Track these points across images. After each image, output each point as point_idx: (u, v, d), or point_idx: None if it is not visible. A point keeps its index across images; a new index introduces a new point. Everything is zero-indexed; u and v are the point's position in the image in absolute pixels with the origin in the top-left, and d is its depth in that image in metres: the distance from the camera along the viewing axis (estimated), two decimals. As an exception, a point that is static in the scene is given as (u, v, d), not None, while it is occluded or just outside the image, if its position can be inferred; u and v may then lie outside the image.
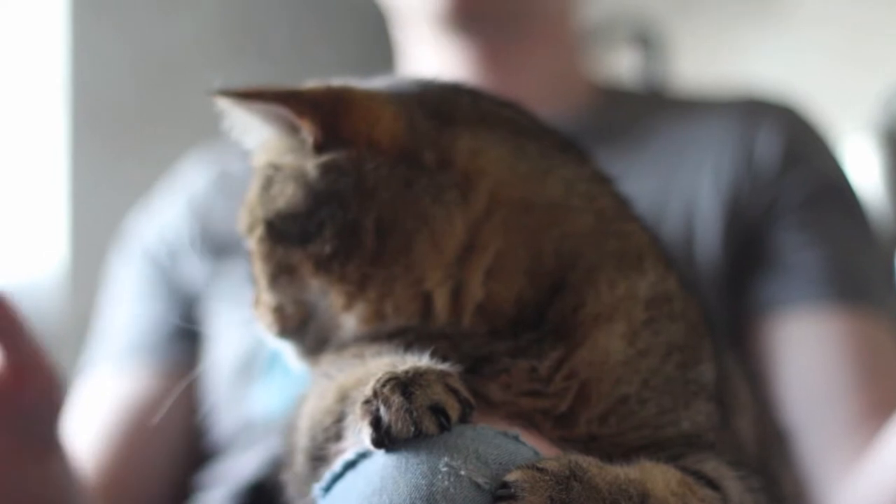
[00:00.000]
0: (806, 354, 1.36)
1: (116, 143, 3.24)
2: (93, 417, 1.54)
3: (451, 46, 1.53)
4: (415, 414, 0.83)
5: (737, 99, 1.58)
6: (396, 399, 0.84)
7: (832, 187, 1.48)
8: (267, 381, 1.40)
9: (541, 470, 0.81)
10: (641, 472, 0.87)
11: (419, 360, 0.90)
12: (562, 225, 1.01)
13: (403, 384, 0.85)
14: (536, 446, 0.89)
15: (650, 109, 1.60)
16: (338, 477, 0.89)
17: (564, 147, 1.08)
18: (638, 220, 1.09)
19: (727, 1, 3.58)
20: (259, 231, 1.03)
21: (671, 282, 1.04)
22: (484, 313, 0.99)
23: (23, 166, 3.21)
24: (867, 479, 1.22)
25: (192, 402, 1.51)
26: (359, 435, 0.86)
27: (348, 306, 0.99)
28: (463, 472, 0.81)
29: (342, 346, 1.02)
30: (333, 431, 0.94)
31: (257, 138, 1.06)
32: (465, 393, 0.87)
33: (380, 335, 0.99)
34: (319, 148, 0.99)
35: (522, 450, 0.86)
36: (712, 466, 0.96)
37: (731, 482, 0.96)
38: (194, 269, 1.54)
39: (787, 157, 1.46)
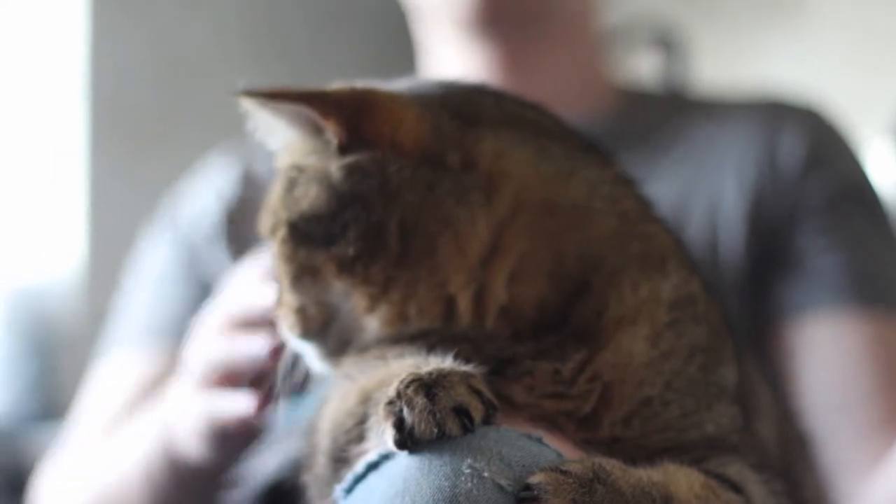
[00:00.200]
0: (826, 358, 1.36)
1: (135, 144, 3.26)
2: (111, 397, 1.54)
3: (474, 47, 1.53)
4: (438, 415, 0.83)
5: (759, 101, 1.58)
6: (420, 400, 0.83)
7: (855, 190, 1.47)
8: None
9: (564, 472, 0.81)
10: (665, 474, 0.87)
11: (443, 362, 0.90)
12: (585, 227, 1.01)
13: (427, 385, 0.84)
14: (560, 448, 0.88)
15: (672, 112, 1.59)
16: (360, 478, 0.89)
17: (587, 149, 1.08)
18: (661, 223, 1.09)
19: (747, 5, 3.58)
20: (282, 232, 1.03)
21: (694, 284, 1.04)
22: (507, 316, 0.98)
23: (42, 167, 3.23)
24: (887, 483, 1.22)
25: None
26: (381, 436, 0.86)
27: (371, 308, 0.99)
28: (486, 474, 0.81)
29: (364, 349, 1.01)
30: (355, 433, 0.94)
31: (281, 140, 1.06)
32: (488, 394, 0.87)
33: (402, 337, 0.99)
34: (343, 149, 0.99)
35: (546, 452, 0.86)
36: (736, 470, 0.96)
37: (755, 486, 0.96)
38: (222, 261, 1.54)
39: (810, 160, 1.45)
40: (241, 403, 1.13)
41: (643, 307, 0.99)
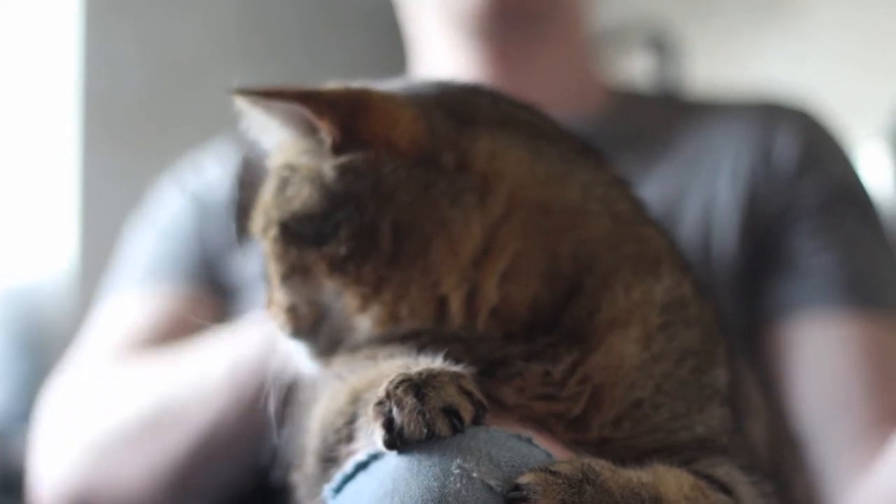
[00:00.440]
0: (819, 359, 1.36)
1: (127, 143, 3.25)
2: (112, 336, 1.54)
3: (467, 47, 1.52)
4: (427, 415, 0.83)
5: (753, 102, 1.58)
6: (409, 400, 0.84)
7: (848, 192, 1.47)
8: None
9: (553, 473, 0.81)
10: (654, 475, 0.87)
11: (432, 362, 0.90)
12: (579, 229, 1.01)
13: (416, 386, 0.84)
14: (549, 449, 0.89)
15: (666, 112, 1.60)
16: (349, 478, 0.89)
17: (582, 151, 1.08)
18: (655, 225, 1.09)
19: (741, 6, 3.58)
20: (273, 232, 1.03)
21: (686, 286, 1.04)
22: (498, 317, 0.98)
23: (34, 166, 3.22)
24: (878, 484, 1.22)
25: None
26: (371, 436, 0.86)
27: (363, 308, 0.99)
28: (475, 475, 0.81)
29: (355, 349, 1.01)
30: (345, 433, 0.94)
31: (274, 139, 1.06)
32: (478, 395, 0.87)
33: (393, 338, 0.99)
34: (337, 149, 0.99)
35: (535, 452, 0.86)
36: (725, 471, 0.96)
37: (744, 487, 0.96)
38: (230, 235, 1.53)
39: (804, 161, 1.45)
40: None
41: (635, 309, 0.99)
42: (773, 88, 1.74)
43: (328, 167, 0.99)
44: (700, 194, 1.45)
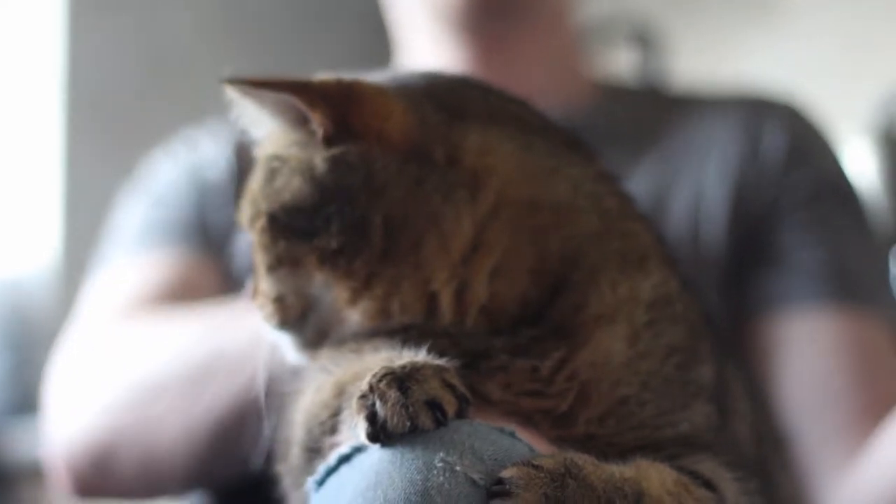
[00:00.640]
0: (803, 354, 1.36)
1: (111, 137, 3.24)
2: (116, 299, 1.50)
3: (451, 41, 1.52)
4: (411, 409, 0.83)
5: (739, 97, 1.58)
6: (392, 394, 0.83)
7: (835, 187, 1.48)
8: None
9: (536, 467, 0.81)
10: (637, 470, 0.87)
11: (416, 356, 0.90)
12: (567, 226, 1.00)
13: (400, 379, 0.84)
14: (532, 443, 0.88)
15: (652, 106, 1.60)
16: (332, 470, 0.89)
17: (571, 145, 1.07)
18: (642, 219, 1.09)
19: (726, 2, 3.58)
20: (261, 223, 1.02)
21: (673, 283, 1.04)
22: (487, 313, 0.98)
23: (17, 160, 3.21)
24: (862, 478, 1.22)
25: None
26: (354, 429, 0.85)
27: (353, 301, 0.99)
28: (458, 468, 0.81)
29: (341, 341, 1.01)
30: (329, 425, 0.94)
31: (264, 129, 1.05)
32: (461, 388, 0.87)
33: (381, 332, 0.98)
34: (329, 141, 0.98)
35: (518, 446, 0.86)
36: (709, 467, 0.96)
37: (728, 483, 0.96)
38: (227, 210, 1.51)
39: (791, 155, 1.46)
40: None
41: (622, 306, 0.99)
42: (757, 84, 1.74)
43: (319, 159, 0.99)
44: (687, 188, 1.45)
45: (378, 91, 1.00)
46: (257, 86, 0.99)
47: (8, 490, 2.72)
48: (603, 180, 1.07)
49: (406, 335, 0.96)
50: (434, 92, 1.04)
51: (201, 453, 1.32)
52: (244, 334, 1.27)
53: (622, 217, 1.06)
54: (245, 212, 1.06)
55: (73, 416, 1.41)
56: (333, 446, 0.92)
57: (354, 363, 0.96)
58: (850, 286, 1.40)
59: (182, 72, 3.36)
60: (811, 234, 1.42)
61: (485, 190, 0.98)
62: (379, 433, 0.83)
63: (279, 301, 1.03)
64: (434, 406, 0.84)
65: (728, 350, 1.17)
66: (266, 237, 1.02)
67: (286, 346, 1.06)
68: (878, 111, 2.92)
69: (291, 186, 1.00)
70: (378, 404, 0.83)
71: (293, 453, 1.00)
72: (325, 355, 1.01)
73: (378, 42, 1.95)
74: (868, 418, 1.30)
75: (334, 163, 0.98)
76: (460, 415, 0.86)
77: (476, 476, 0.81)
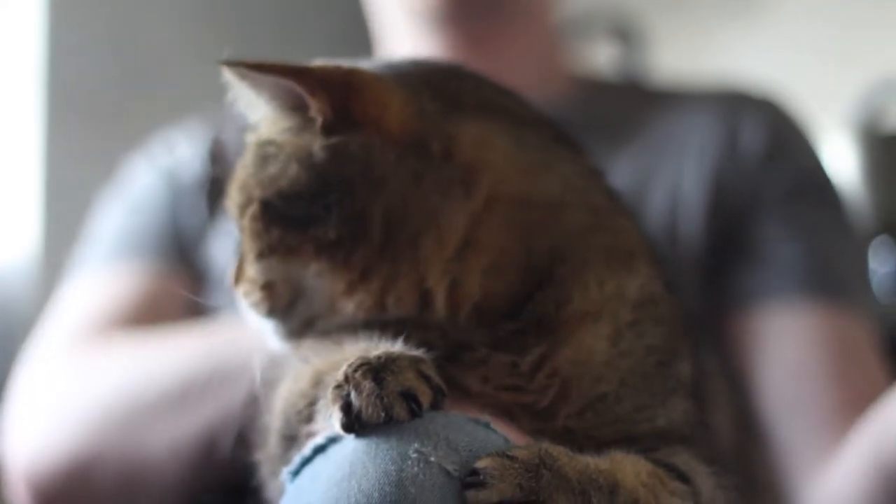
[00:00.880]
0: (781, 348, 1.37)
1: (91, 130, 3.23)
2: (84, 313, 1.50)
3: (431, 36, 1.52)
4: (385, 399, 0.83)
5: (718, 92, 1.58)
6: (367, 384, 0.83)
7: (813, 182, 1.48)
8: None
9: (510, 458, 0.81)
10: (612, 462, 0.87)
11: (392, 346, 0.90)
12: (558, 223, 1.00)
13: (375, 370, 0.84)
14: (509, 434, 0.88)
15: (632, 100, 1.60)
16: (307, 461, 0.88)
17: (560, 139, 1.07)
18: (630, 216, 1.09)
19: (708, -3, 3.59)
20: (253, 209, 1.01)
21: (659, 283, 1.04)
22: (479, 310, 0.98)
23: (-3, 152, 3.20)
24: (840, 471, 1.22)
25: None
26: (330, 419, 0.85)
27: (348, 294, 0.98)
28: (433, 459, 0.81)
29: (326, 332, 1.00)
30: (306, 414, 0.94)
31: (260, 114, 1.03)
32: (437, 379, 0.87)
33: (372, 323, 0.98)
34: (327, 129, 0.97)
35: (493, 437, 0.86)
36: (684, 460, 0.96)
37: (703, 477, 0.96)
38: (202, 216, 1.52)
39: (770, 149, 1.46)
40: None
41: (607, 304, 0.99)
42: (738, 79, 1.74)
43: (318, 147, 0.97)
44: (666, 181, 1.45)
45: (377, 79, 0.99)
46: (256, 69, 0.98)
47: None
48: (591, 176, 1.07)
49: (395, 327, 0.96)
50: (430, 81, 1.03)
51: (184, 470, 1.32)
52: (230, 350, 1.28)
53: (611, 213, 1.05)
54: (233, 198, 1.04)
55: (40, 432, 1.40)
56: (310, 435, 0.92)
57: (334, 353, 0.96)
58: (828, 281, 1.40)
59: (162, 65, 3.35)
60: (790, 228, 1.42)
61: (478, 185, 0.98)
62: (354, 423, 0.83)
63: (268, 288, 1.02)
64: (409, 397, 0.84)
65: (708, 344, 1.17)
66: (258, 224, 1.00)
67: (270, 334, 1.05)
68: (857, 106, 2.94)
69: (289, 173, 0.99)
70: (353, 394, 0.83)
71: (271, 441, 1.00)
72: (308, 345, 1.01)
73: (359, 38, 1.95)
74: (846, 413, 1.30)
75: (334, 151, 0.97)
76: (435, 406, 0.85)
77: (450, 467, 0.81)
